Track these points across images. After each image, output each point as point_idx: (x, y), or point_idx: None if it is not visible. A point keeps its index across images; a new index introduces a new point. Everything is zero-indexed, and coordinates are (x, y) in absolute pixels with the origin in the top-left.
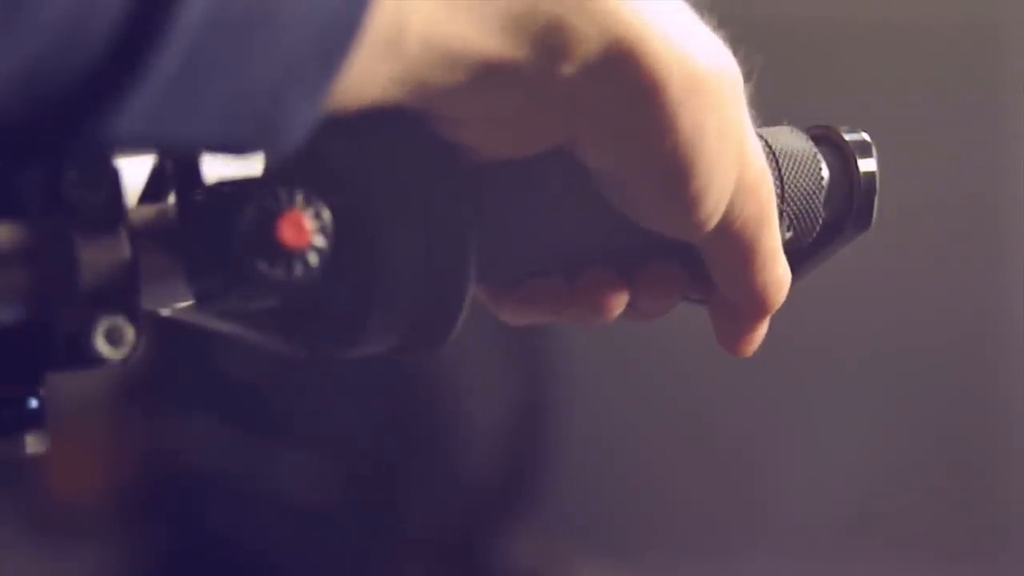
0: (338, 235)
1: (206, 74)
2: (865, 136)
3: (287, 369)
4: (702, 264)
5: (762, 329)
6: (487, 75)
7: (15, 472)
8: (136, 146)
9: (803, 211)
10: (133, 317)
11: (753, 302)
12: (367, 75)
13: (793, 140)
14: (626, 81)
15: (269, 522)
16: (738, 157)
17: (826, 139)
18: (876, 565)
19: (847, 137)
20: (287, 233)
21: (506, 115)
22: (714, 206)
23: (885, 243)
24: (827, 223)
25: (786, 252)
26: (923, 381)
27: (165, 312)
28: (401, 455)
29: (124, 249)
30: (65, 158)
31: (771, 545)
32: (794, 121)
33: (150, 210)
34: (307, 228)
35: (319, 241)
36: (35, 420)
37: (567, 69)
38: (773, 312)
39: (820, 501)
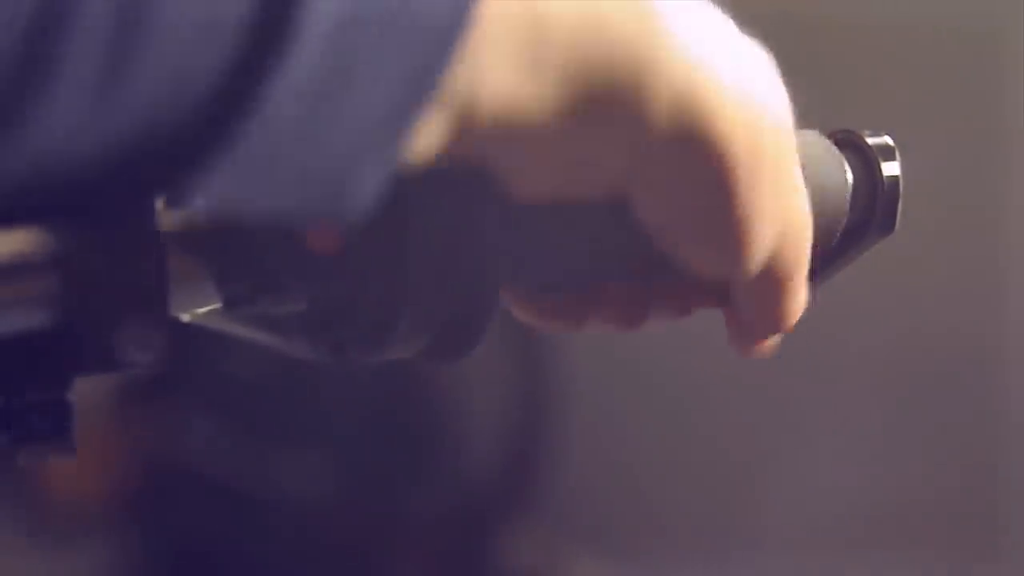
0: (367, 240)
1: (291, 142)
2: (888, 140)
3: (287, 370)
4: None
5: (776, 339)
6: (550, 146)
7: (15, 472)
8: (215, 208)
9: (827, 214)
10: (161, 322)
11: (769, 324)
12: (431, 143)
13: (816, 143)
14: (693, 156)
15: (269, 522)
16: (786, 210)
17: (849, 143)
18: (876, 566)
19: (870, 141)
20: (316, 238)
21: (559, 175)
22: (758, 259)
23: (884, 244)
24: (850, 227)
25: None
26: (923, 382)
27: (185, 318)
28: (401, 455)
29: (153, 254)
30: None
31: (771, 545)
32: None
33: (179, 214)
34: (336, 233)
35: (347, 246)
36: (63, 425)
37: (634, 137)
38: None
39: (820, 502)
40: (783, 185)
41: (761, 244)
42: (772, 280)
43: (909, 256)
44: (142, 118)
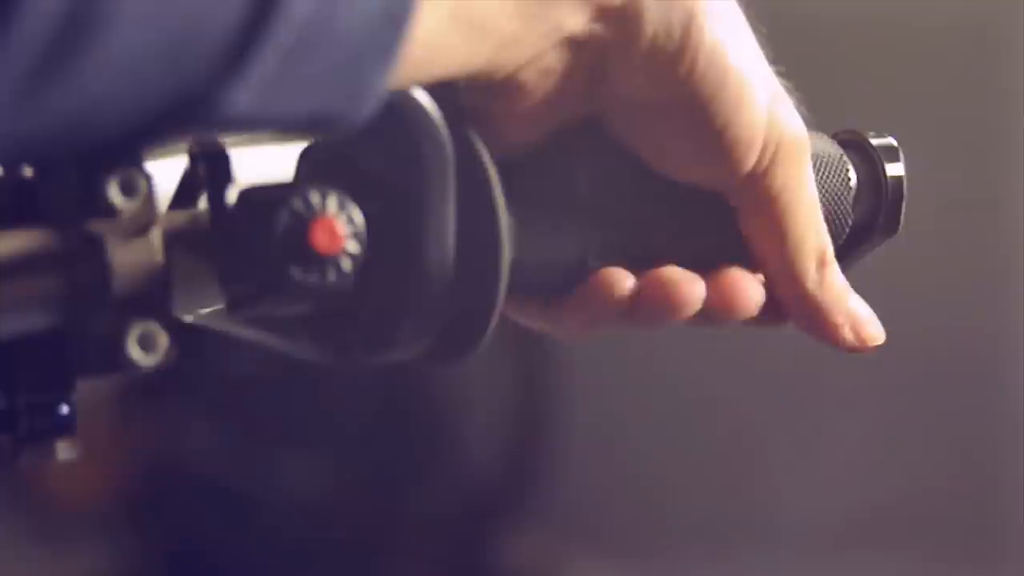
0: (370, 240)
1: (309, 40)
2: (892, 141)
3: (288, 370)
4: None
5: (832, 300)
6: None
7: (15, 472)
8: (246, 124)
9: (832, 215)
10: (166, 323)
11: (798, 267)
12: (430, 39)
13: (821, 144)
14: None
15: (269, 522)
16: (766, 86)
17: (853, 144)
18: (877, 566)
19: (874, 142)
20: (320, 239)
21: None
22: (747, 138)
23: (884, 243)
24: (855, 227)
25: None
26: (924, 382)
27: (189, 319)
28: (401, 455)
29: (157, 255)
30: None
31: (771, 546)
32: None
33: (183, 216)
34: (340, 234)
35: (352, 247)
36: (66, 426)
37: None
38: (825, 271)
39: (820, 502)
40: (752, 55)
41: (741, 111)
42: (778, 201)
43: (908, 256)
44: (184, 33)
